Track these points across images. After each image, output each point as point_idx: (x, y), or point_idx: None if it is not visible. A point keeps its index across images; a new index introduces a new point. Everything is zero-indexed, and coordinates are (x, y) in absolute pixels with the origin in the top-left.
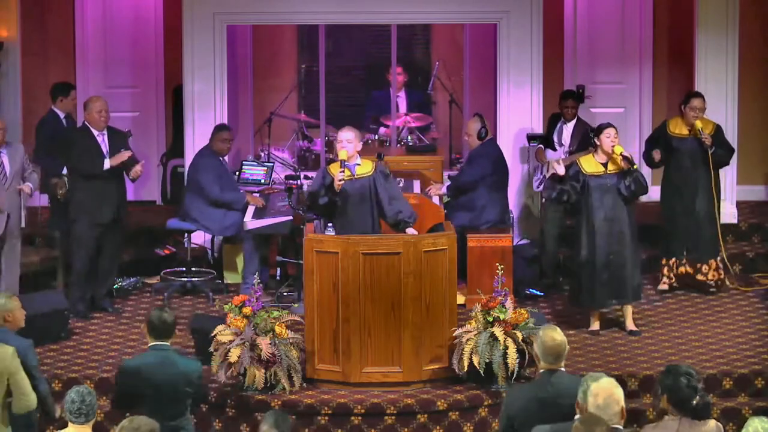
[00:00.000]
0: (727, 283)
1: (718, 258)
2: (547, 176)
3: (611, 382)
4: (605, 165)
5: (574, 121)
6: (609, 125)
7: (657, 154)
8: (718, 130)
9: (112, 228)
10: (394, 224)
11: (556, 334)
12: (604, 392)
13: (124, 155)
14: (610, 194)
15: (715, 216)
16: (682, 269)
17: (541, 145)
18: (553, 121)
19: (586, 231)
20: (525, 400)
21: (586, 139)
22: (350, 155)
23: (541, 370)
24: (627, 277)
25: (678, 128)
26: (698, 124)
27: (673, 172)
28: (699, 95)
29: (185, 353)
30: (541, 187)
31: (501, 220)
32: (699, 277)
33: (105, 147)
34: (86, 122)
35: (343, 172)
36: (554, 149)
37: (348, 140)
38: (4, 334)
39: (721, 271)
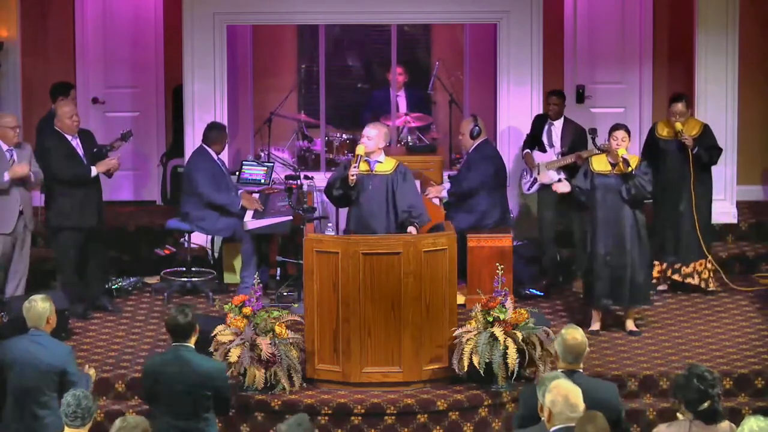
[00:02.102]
0: (711, 286)
1: (707, 260)
2: (540, 180)
3: (571, 383)
4: (614, 165)
5: (561, 120)
6: (619, 126)
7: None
8: (705, 130)
9: (95, 231)
10: (401, 222)
11: (577, 334)
12: (574, 392)
13: (111, 162)
14: (612, 194)
15: (695, 217)
16: (668, 272)
17: (528, 150)
18: (538, 123)
19: (590, 229)
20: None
21: (579, 138)
22: (369, 151)
23: (560, 370)
24: (626, 279)
25: (665, 131)
26: (678, 125)
27: (660, 175)
28: (681, 99)
29: None
30: (533, 189)
31: (500, 220)
32: (688, 280)
33: (80, 151)
34: (58, 128)
35: (357, 167)
36: (544, 151)
37: (368, 137)
38: (44, 339)
39: (707, 273)
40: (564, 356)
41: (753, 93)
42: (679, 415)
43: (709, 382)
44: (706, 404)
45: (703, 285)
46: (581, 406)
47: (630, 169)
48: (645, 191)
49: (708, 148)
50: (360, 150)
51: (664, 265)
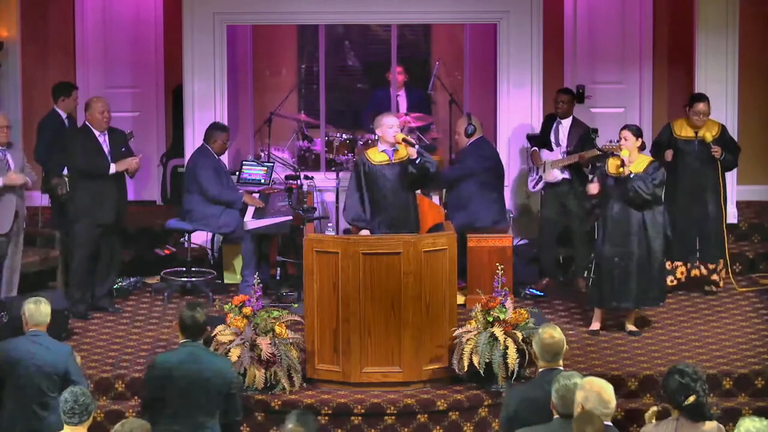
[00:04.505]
0: (721, 283)
1: (724, 259)
2: (545, 178)
3: (603, 380)
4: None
5: (569, 119)
6: (626, 127)
7: (669, 154)
8: (723, 132)
9: (112, 229)
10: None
11: (554, 332)
12: (606, 389)
13: (132, 162)
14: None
15: (723, 218)
16: (695, 272)
17: (536, 148)
18: (548, 122)
19: (601, 230)
20: (522, 400)
21: (585, 138)
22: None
23: (540, 369)
24: (631, 281)
25: (684, 131)
26: (708, 136)
27: (680, 175)
28: (703, 98)
29: None
30: (538, 187)
31: (497, 220)
32: (714, 276)
33: (106, 147)
34: (87, 123)
35: (416, 144)
36: (551, 149)
37: (395, 125)
38: (45, 340)
39: (723, 272)
40: (542, 355)
41: (753, 93)
42: (670, 417)
43: (690, 376)
44: (690, 399)
45: (722, 284)
46: (613, 402)
47: (626, 171)
48: (643, 195)
49: (730, 149)
50: (400, 137)
51: (689, 265)
